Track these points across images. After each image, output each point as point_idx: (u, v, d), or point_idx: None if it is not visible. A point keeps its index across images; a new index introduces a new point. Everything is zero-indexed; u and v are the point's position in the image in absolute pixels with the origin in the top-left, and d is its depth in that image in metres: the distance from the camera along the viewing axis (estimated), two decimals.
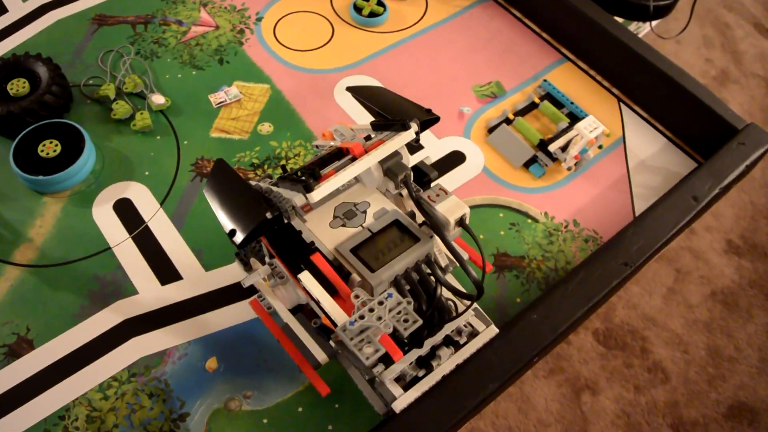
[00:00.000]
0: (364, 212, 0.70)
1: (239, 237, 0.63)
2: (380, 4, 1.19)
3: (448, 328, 0.69)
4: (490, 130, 1.05)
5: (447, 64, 1.15)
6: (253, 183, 0.71)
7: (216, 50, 1.13)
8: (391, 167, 0.68)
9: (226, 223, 0.65)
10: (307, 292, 0.65)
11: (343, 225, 0.69)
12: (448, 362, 0.70)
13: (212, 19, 1.17)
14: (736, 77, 2.42)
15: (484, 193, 0.99)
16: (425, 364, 0.70)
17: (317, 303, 0.64)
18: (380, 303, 0.60)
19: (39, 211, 0.94)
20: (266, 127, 1.03)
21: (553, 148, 1.00)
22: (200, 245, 0.91)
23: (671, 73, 1.07)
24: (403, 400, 0.68)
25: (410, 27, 1.20)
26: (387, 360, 0.66)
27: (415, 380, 0.69)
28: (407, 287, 0.65)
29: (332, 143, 0.73)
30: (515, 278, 0.92)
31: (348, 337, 0.59)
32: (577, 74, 1.16)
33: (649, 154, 1.07)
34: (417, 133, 0.68)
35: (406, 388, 0.69)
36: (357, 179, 0.73)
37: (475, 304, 0.73)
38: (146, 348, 0.83)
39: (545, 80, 1.11)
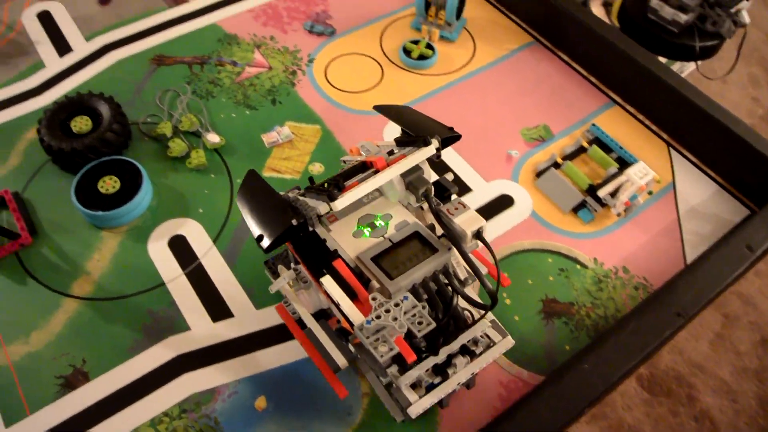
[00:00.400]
0: (387, 223, 0.74)
1: (266, 242, 0.67)
2: (429, 47, 1.22)
3: (464, 338, 0.71)
4: (539, 174, 1.06)
5: (495, 107, 1.16)
6: (282, 193, 0.74)
7: (269, 91, 1.16)
8: (413, 181, 0.72)
9: (255, 228, 0.70)
10: (329, 296, 0.68)
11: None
12: (464, 371, 0.72)
13: (265, 60, 1.21)
14: None
15: (532, 237, 0.99)
16: (441, 371, 0.72)
17: (337, 306, 0.67)
18: (396, 305, 0.63)
19: (97, 245, 0.97)
20: (317, 167, 1.06)
21: (602, 193, 0.99)
22: (252, 283, 0.93)
23: (721, 118, 1.06)
24: (418, 406, 0.70)
25: (458, 70, 1.21)
26: (404, 365, 0.69)
27: (432, 387, 0.71)
28: (425, 296, 0.68)
29: (358, 158, 0.76)
30: (564, 325, 0.91)
31: (365, 336, 0.63)
32: (626, 118, 1.16)
33: (700, 201, 1.06)
34: (438, 149, 0.72)
35: (423, 395, 0.71)
36: (381, 192, 0.76)
37: (493, 316, 0.76)
38: (197, 384, 0.84)
39: (593, 124, 1.11)
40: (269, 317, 0.90)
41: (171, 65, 1.20)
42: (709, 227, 1.03)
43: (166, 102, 1.14)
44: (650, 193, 1.05)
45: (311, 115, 1.13)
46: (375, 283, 0.68)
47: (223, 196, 1.02)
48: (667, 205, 1.05)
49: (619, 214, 1.01)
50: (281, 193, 0.74)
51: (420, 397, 0.71)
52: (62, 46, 1.25)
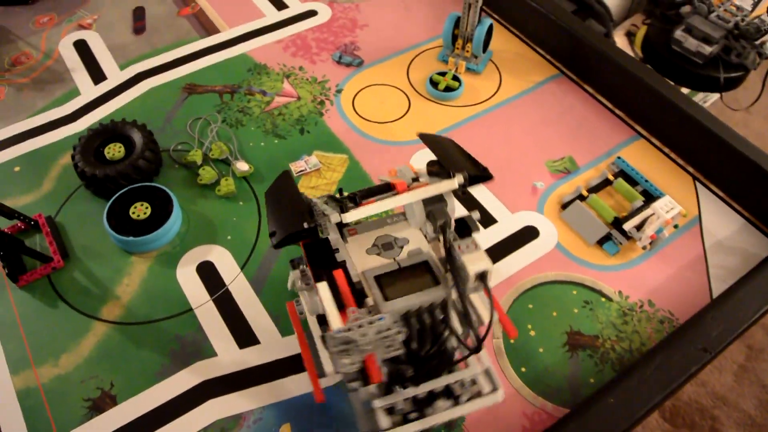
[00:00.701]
0: (401, 248, 0.75)
1: (276, 239, 0.71)
2: (456, 79, 1.23)
3: (448, 378, 0.72)
4: (564, 206, 1.06)
5: (520, 139, 1.17)
6: (307, 197, 0.77)
7: (297, 120, 1.19)
8: (433, 211, 0.73)
9: (270, 224, 0.74)
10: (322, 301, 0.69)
11: (378, 254, 0.75)
12: (441, 415, 0.72)
13: (294, 90, 1.24)
14: None
15: (557, 269, 0.99)
16: (420, 407, 0.72)
17: (324, 312, 0.68)
18: (370, 323, 0.63)
19: (127, 270, 0.99)
20: None
21: (628, 226, 0.99)
22: (278, 311, 0.94)
23: (747, 152, 1.06)
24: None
25: (485, 101, 1.23)
26: (385, 389, 0.71)
27: (407, 420, 0.72)
28: (417, 326, 0.68)
29: (386, 179, 0.78)
30: (589, 358, 0.91)
31: (331, 344, 0.63)
32: (651, 151, 1.16)
33: (727, 235, 1.05)
34: (462, 185, 0.72)
35: (397, 423, 0.72)
36: (405, 217, 0.79)
37: (490, 365, 0.75)
38: (223, 410, 0.85)
39: (619, 157, 1.12)
40: (295, 345, 0.90)
41: (202, 94, 1.23)
42: (735, 261, 1.02)
43: (197, 130, 1.17)
44: (676, 226, 1.05)
45: (338, 145, 1.15)
46: (370, 300, 0.69)
47: (251, 224, 1.04)
48: (693, 238, 1.04)
49: (644, 247, 1.01)
50: (309, 197, 0.76)
51: (393, 425, 0.71)
52: (97, 74, 1.28)
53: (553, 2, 1.31)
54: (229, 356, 0.90)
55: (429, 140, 0.83)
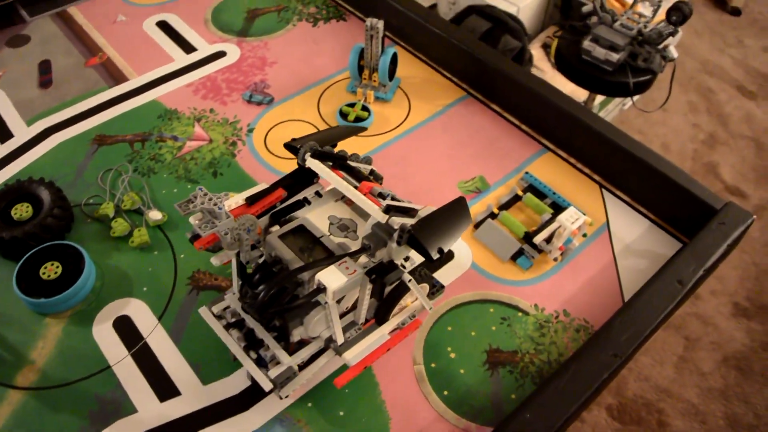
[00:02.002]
0: (346, 228, 0.86)
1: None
2: (365, 109, 1.25)
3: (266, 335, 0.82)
4: (476, 225, 1.08)
5: (432, 162, 1.19)
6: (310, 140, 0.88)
7: (210, 163, 1.18)
8: (375, 234, 0.77)
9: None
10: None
11: (330, 224, 0.86)
12: (240, 353, 0.84)
13: (206, 133, 1.24)
14: (724, 139, 2.47)
15: (473, 289, 1.01)
16: (248, 334, 0.85)
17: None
18: (212, 202, 0.78)
19: (41, 333, 0.97)
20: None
21: (537, 240, 1.02)
22: (198, 359, 0.93)
23: (647, 159, 1.10)
24: (204, 313, 0.88)
25: (395, 128, 1.25)
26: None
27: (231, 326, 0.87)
28: (274, 268, 0.80)
29: (381, 190, 0.84)
30: (509, 374, 0.92)
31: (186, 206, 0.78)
32: (559, 163, 1.20)
33: (634, 238, 1.09)
34: (400, 237, 0.74)
35: (228, 326, 0.87)
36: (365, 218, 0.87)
37: (294, 367, 0.84)
38: None
39: (527, 172, 1.15)
40: (217, 392, 0.90)
41: (112, 144, 1.22)
42: (644, 263, 1.06)
43: (108, 182, 1.15)
44: (585, 235, 1.08)
45: (252, 185, 1.14)
46: (274, 229, 0.85)
47: (167, 273, 1.03)
48: (602, 245, 1.08)
49: (555, 259, 1.04)
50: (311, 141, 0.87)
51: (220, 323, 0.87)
52: (3, 132, 1.26)
53: (453, 26, 1.34)
54: (149, 411, 0.88)
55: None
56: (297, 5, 1.55)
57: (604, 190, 1.16)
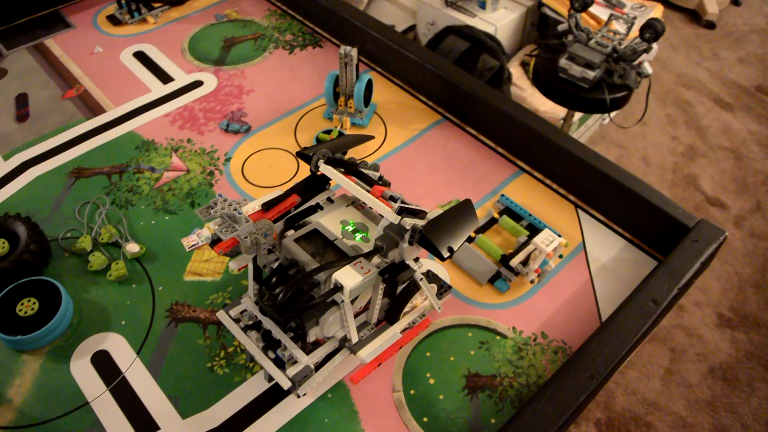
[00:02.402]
0: (356, 230, 0.90)
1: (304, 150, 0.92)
2: (341, 134, 1.26)
3: (281, 336, 0.86)
4: None
5: (409, 187, 1.20)
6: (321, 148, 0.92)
7: (187, 193, 1.19)
8: (386, 235, 0.82)
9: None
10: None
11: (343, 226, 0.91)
12: (258, 354, 0.88)
13: (183, 163, 1.24)
14: (703, 151, 2.50)
15: (452, 313, 1.02)
16: (265, 335, 0.89)
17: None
18: (231, 207, 0.81)
19: (18, 371, 0.96)
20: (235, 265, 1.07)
21: (514, 263, 1.03)
22: (177, 393, 0.93)
23: (621, 179, 1.12)
24: (222, 316, 0.93)
25: (371, 154, 1.26)
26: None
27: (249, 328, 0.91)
28: (290, 272, 0.84)
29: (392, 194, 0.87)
30: (488, 398, 0.93)
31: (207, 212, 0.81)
32: (534, 184, 1.21)
33: (611, 257, 1.10)
34: (412, 237, 0.80)
35: (246, 329, 0.90)
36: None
37: (310, 366, 0.87)
38: None
39: (503, 195, 1.16)
40: (196, 425, 0.89)
41: (90, 177, 1.22)
42: (621, 282, 1.07)
43: (86, 215, 1.15)
44: (561, 256, 1.09)
45: None
46: (289, 233, 0.89)
47: (145, 306, 1.03)
48: (579, 265, 1.09)
49: (532, 281, 1.05)
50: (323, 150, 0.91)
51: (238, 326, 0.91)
52: None
53: (428, 51, 1.36)
54: None
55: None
56: (273, 33, 1.57)
57: (579, 210, 1.17)
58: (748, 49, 3.03)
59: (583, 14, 2.18)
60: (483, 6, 2.31)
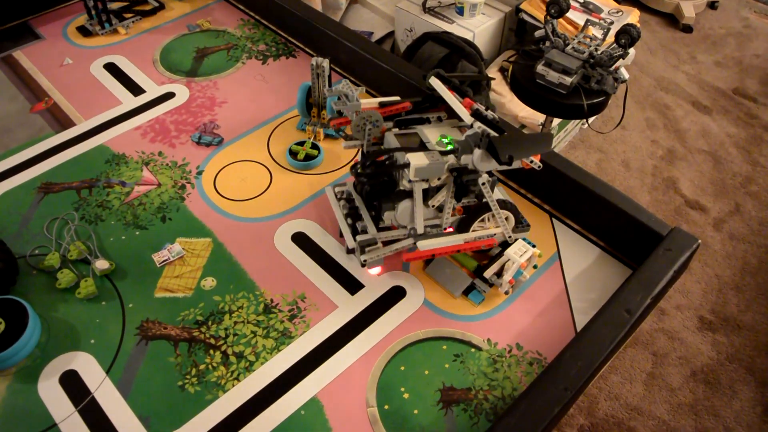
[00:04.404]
0: (450, 143, 1.00)
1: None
2: (315, 147, 1.25)
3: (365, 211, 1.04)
4: (427, 261, 1.08)
5: None
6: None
7: (158, 208, 1.17)
8: (466, 139, 0.94)
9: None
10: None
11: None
12: (342, 221, 1.06)
13: (154, 177, 1.22)
14: (682, 154, 2.52)
15: (426, 326, 1.01)
16: (354, 215, 1.07)
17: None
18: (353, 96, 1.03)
19: None
20: (209, 282, 1.06)
21: (488, 274, 1.03)
22: (148, 412, 0.91)
23: (595, 188, 1.11)
24: (329, 191, 1.12)
25: (346, 165, 1.25)
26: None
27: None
28: (379, 159, 0.98)
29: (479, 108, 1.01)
30: (463, 412, 0.92)
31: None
32: (509, 194, 1.20)
33: (585, 267, 1.10)
34: (480, 140, 0.90)
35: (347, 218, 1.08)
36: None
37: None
38: None
39: None
40: None
41: (58, 192, 1.20)
42: (596, 291, 1.07)
43: (54, 231, 1.13)
44: (535, 267, 1.09)
45: (202, 229, 1.14)
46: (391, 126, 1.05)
47: (115, 324, 1.01)
48: (554, 275, 1.09)
49: (506, 292, 1.04)
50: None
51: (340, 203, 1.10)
52: None
53: (401, 60, 1.35)
54: None
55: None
56: (246, 43, 1.56)
57: (554, 219, 1.17)
58: (725, 53, 3.06)
59: (561, 20, 2.18)
60: (461, 12, 2.31)
